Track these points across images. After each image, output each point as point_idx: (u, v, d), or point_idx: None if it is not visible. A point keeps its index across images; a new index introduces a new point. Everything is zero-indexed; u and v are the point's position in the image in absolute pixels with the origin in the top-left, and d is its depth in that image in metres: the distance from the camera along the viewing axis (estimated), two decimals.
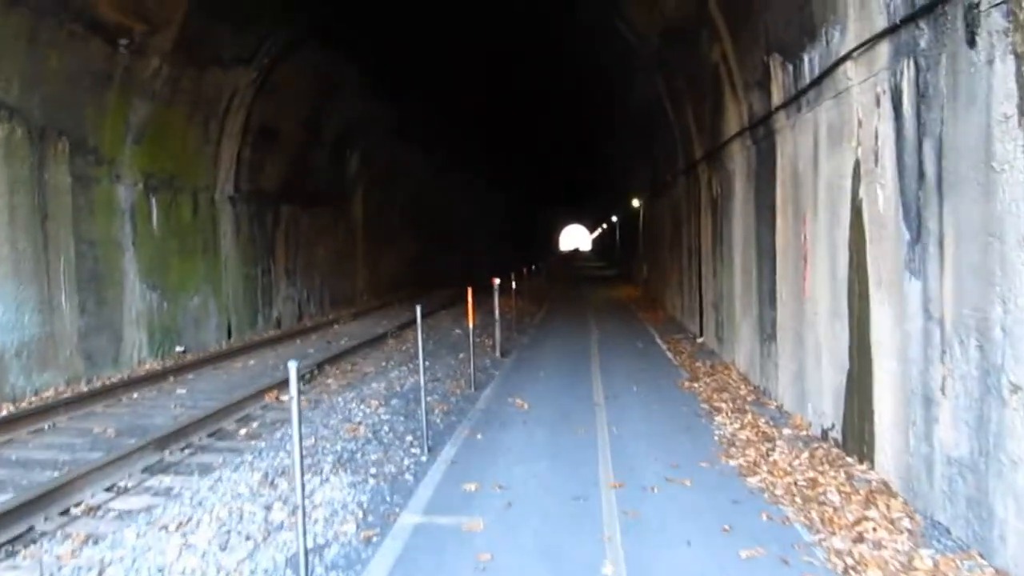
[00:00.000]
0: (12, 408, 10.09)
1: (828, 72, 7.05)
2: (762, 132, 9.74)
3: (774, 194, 9.26)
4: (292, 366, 4.07)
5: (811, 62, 7.60)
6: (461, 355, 13.07)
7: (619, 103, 23.10)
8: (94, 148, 13.00)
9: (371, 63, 21.92)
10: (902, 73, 5.58)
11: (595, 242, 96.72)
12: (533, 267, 24.62)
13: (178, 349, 15.34)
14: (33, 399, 10.94)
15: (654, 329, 17.22)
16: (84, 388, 11.61)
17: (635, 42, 16.44)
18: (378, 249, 29.47)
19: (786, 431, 7.93)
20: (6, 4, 10.49)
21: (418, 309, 7.38)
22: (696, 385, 10.54)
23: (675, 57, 14.34)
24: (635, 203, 29.85)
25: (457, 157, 37.26)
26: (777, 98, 8.90)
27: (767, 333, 9.71)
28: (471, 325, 10.44)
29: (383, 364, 12.60)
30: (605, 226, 63.69)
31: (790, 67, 8.31)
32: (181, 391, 10.93)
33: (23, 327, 11.34)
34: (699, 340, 14.80)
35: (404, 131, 28.39)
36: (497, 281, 12.95)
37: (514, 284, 16.98)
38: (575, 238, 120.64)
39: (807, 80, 7.73)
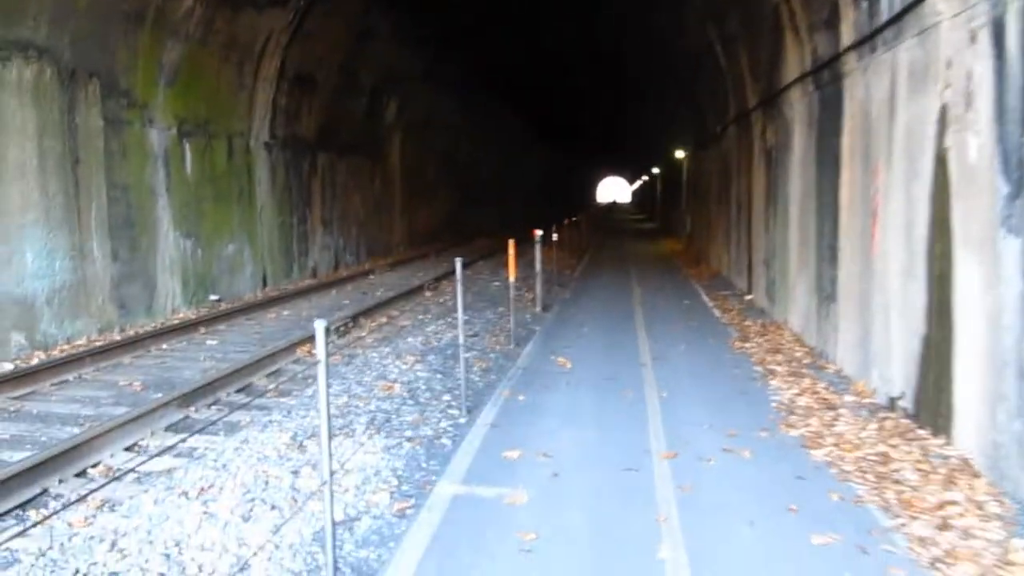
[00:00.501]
0: (43, 356, 9.86)
1: (911, 7, 6.38)
2: (827, 76, 9.06)
3: (839, 144, 8.61)
4: (319, 327, 3.59)
5: None
6: (500, 308, 12.66)
7: (663, 52, 22.22)
8: (126, 91, 12.61)
9: (406, 8, 21.26)
10: (1006, 3, 4.94)
11: (634, 194, 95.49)
12: (572, 219, 24.02)
13: (212, 298, 15.10)
14: (65, 347, 10.72)
15: (699, 285, 16.65)
16: (117, 336, 11.38)
17: None
18: (415, 199, 29.05)
19: (848, 398, 7.41)
20: None
21: (458, 264, 6.87)
22: (747, 346, 10.01)
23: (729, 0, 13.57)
24: (678, 155, 29.03)
25: (494, 107, 36.56)
26: (847, 38, 8.21)
27: (826, 293, 9.13)
28: (512, 279, 9.99)
29: (420, 317, 12.20)
30: (645, 178, 62.61)
31: (863, 4, 7.61)
32: (212, 342, 10.62)
33: (54, 274, 11.08)
34: (748, 298, 14.22)
35: (440, 80, 27.75)
36: (539, 233, 12.43)
37: (555, 236, 16.45)
38: (614, 190, 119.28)
39: (884, 17, 7.04)
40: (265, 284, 17.27)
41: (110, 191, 12.27)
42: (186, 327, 11.18)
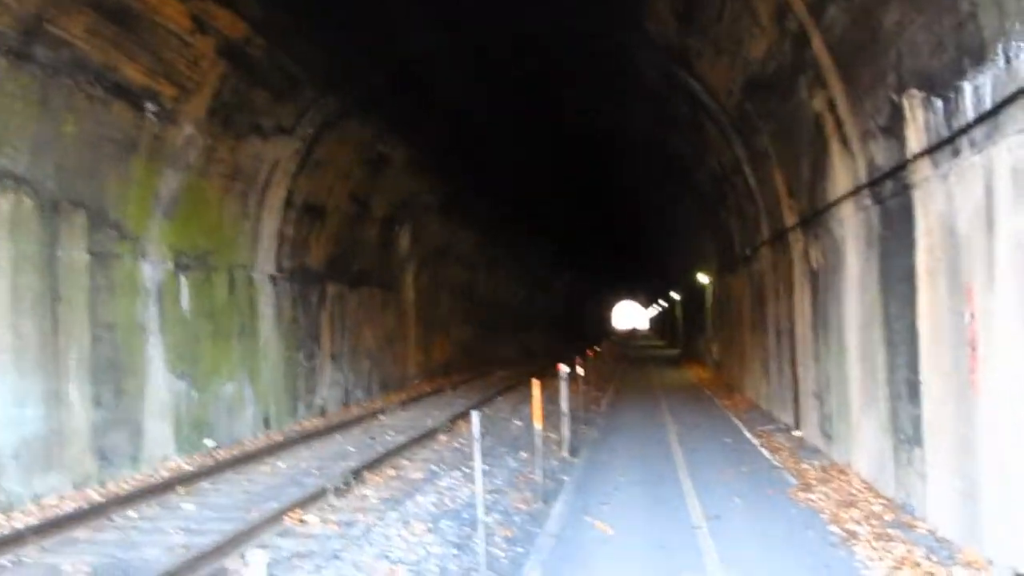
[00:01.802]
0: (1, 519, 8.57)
1: (1011, 99, 5.34)
2: (890, 188, 8.01)
3: (912, 262, 7.47)
4: None
5: (977, 91, 5.90)
6: (523, 454, 11.32)
7: (683, 173, 21.53)
8: (116, 222, 11.74)
9: (421, 139, 20.83)
10: None
11: (653, 320, 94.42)
12: (595, 349, 22.86)
13: (208, 443, 13.84)
14: (31, 508, 9.42)
15: (738, 419, 15.26)
16: (95, 491, 10.09)
17: (708, 102, 14.92)
18: (431, 330, 28.01)
19: (959, 572, 5.99)
20: (9, 62, 9.34)
21: (475, 427, 5.62)
22: (813, 497, 8.60)
23: (760, 113, 12.75)
24: (702, 279, 28.02)
25: (512, 236, 36.05)
26: (915, 144, 7.19)
27: (905, 435, 7.79)
28: (539, 426, 8.70)
29: (433, 468, 10.78)
30: (665, 303, 61.68)
31: (938, 103, 6.61)
32: (189, 506, 9.12)
33: (23, 423, 9.90)
34: (796, 434, 12.81)
35: (456, 210, 27.22)
36: (565, 369, 11.21)
37: (580, 370, 15.20)
38: (632, 316, 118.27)
39: (971, 115, 6.02)
40: (267, 426, 16.00)
41: (94, 330, 11.22)
42: (163, 487, 9.77)
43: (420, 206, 24.32)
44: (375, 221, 21.74)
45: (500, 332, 39.22)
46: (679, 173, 21.87)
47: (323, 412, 18.61)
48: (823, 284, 11.05)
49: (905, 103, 7.28)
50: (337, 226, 19.33)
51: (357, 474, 9.71)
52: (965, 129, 6.13)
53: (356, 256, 20.99)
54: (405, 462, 11.26)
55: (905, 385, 7.78)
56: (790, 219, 12.89)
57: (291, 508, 8.11)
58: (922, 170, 7.13)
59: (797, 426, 12.99)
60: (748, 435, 13.24)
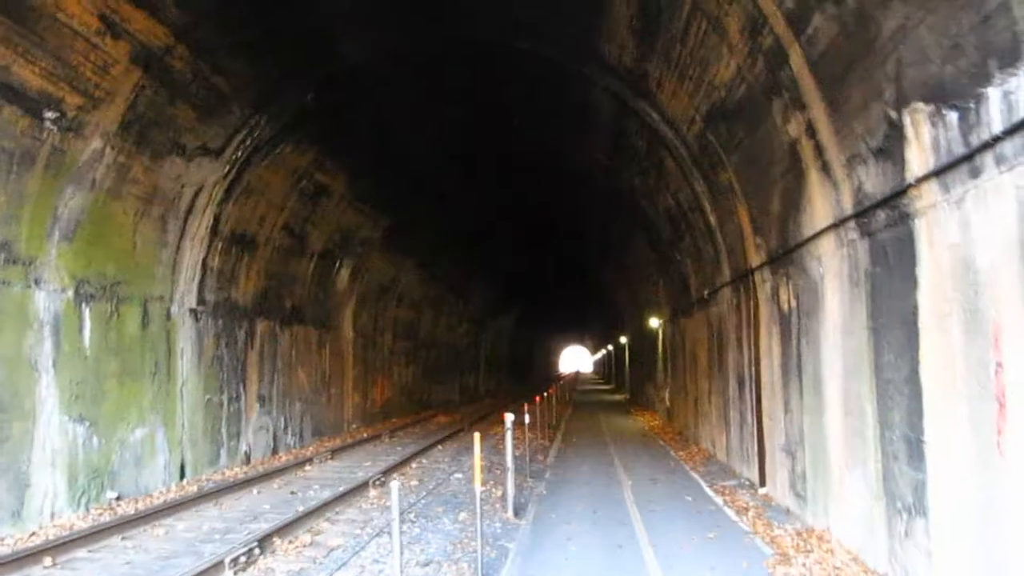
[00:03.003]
0: None
1: None
2: (883, 218, 7.06)
3: (913, 303, 6.49)
4: None
5: (1008, 97, 4.96)
6: (463, 515, 10.04)
7: (636, 210, 20.65)
8: (3, 243, 10.32)
9: (363, 169, 19.67)
10: None
11: (597, 364, 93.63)
12: (545, 393, 21.66)
13: (110, 495, 12.32)
14: None
15: (695, 473, 14.17)
16: None
17: (667, 132, 14.04)
18: (370, 373, 26.57)
19: None
20: None
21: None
22: (792, 572, 7.49)
23: (724, 145, 11.87)
24: (653, 323, 27.12)
25: (457, 276, 34.91)
26: (918, 166, 6.25)
27: (903, 502, 6.75)
28: (479, 487, 7.47)
29: (358, 532, 9.34)
30: (611, 347, 60.86)
31: (951, 116, 5.68)
32: None
33: None
34: (762, 491, 11.75)
35: (400, 247, 26.02)
36: (510, 418, 10.02)
37: (526, 418, 14.01)
38: (576, 360, 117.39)
39: (998, 127, 5.07)
40: (183, 475, 14.47)
41: None
42: (30, 556, 8.21)
43: (361, 241, 23.05)
44: (312, 255, 20.41)
45: (444, 374, 37.84)
46: (632, 210, 20.98)
47: (248, 459, 17.09)
48: (796, 328, 10.08)
49: (906, 119, 6.34)
50: (269, 259, 17.99)
51: (265, 541, 8.31)
52: (990, 144, 5.18)
53: (290, 292, 19.61)
54: (326, 524, 9.84)
55: (903, 444, 6.76)
56: (755, 258, 11.97)
57: None
58: (927, 195, 6.17)
59: (762, 483, 11.93)
60: (709, 492, 12.15)
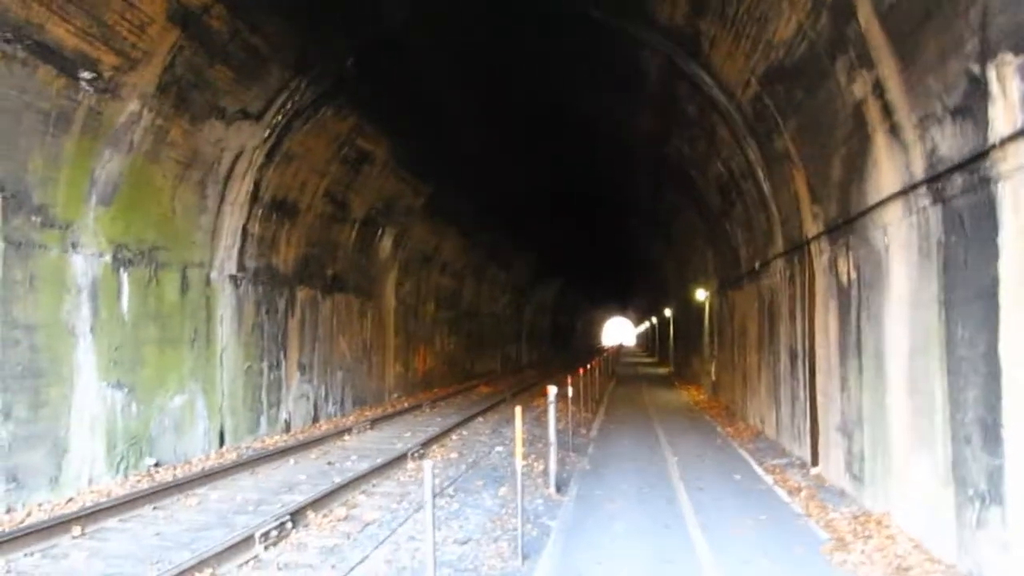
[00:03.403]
0: None
1: None
2: (960, 183, 6.51)
3: (995, 274, 5.97)
4: None
5: None
6: (503, 489, 9.73)
7: (685, 179, 20.04)
8: (40, 207, 10.15)
9: (407, 134, 19.31)
10: None
11: (640, 337, 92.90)
12: (588, 365, 21.27)
13: (148, 462, 12.25)
14: None
15: (743, 450, 13.72)
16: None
17: (719, 97, 13.43)
18: (413, 341, 26.41)
19: None
20: None
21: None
22: (851, 559, 7.06)
23: (781, 108, 11.27)
24: (700, 295, 26.53)
25: (501, 245, 34.54)
26: (1004, 125, 5.70)
27: (977, 489, 6.27)
28: (520, 463, 7.13)
29: (394, 506, 9.07)
30: (655, 319, 60.19)
31: None
32: (79, 556, 7.39)
33: None
34: (814, 471, 11.27)
35: (442, 215, 25.69)
36: (554, 390, 9.66)
37: (569, 390, 13.65)
38: (619, 332, 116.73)
39: None
40: (223, 442, 14.40)
41: (6, 331, 9.62)
42: (60, 525, 8.03)
43: (403, 209, 22.77)
44: (354, 222, 20.17)
45: (486, 344, 37.64)
46: (680, 179, 20.37)
47: (288, 428, 17.00)
48: (856, 302, 9.55)
49: (991, 74, 5.79)
50: (311, 226, 17.78)
51: (298, 515, 8.08)
52: None
53: (331, 259, 19.41)
54: (362, 497, 9.59)
55: (977, 427, 6.27)
56: (812, 228, 11.40)
57: (201, 564, 6.49)
58: (1014, 157, 5.63)
59: (815, 463, 11.45)
60: (759, 471, 11.71)
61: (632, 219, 32.58)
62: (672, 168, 20.19)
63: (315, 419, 18.39)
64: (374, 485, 10.29)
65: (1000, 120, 5.76)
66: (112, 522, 8.49)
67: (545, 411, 10.03)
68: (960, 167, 6.43)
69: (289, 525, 7.71)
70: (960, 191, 6.53)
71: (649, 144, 19.93)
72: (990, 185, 6.01)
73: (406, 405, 21.37)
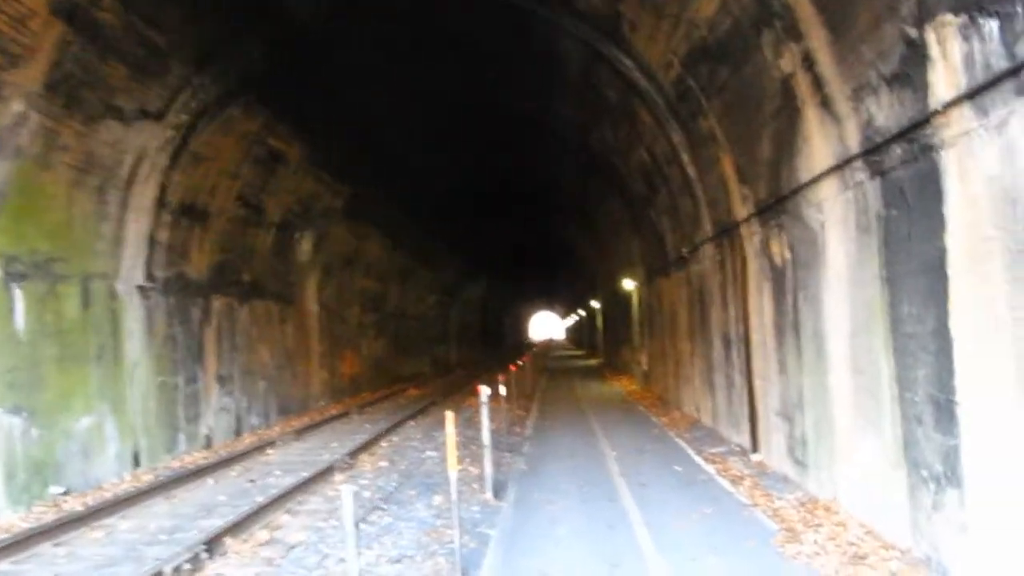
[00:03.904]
0: None
1: None
2: (899, 154, 6.26)
3: (940, 245, 5.71)
4: None
5: None
6: (438, 498, 9.22)
7: (609, 168, 19.80)
8: None
9: (322, 133, 18.62)
10: None
11: (569, 330, 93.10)
12: (519, 362, 20.83)
13: (55, 491, 11.35)
14: None
15: (681, 440, 13.48)
16: None
17: (641, 81, 13.16)
18: (337, 347, 25.61)
19: None
20: None
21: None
22: (805, 550, 6.77)
23: (705, 89, 11.02)
24: (627, 286, 26.39)
25: (426, 245, 33.91)
26: (946, 89, 5.44)
27: (931, 471, 6.02)
28: (454, 474, 6.64)
29: (322, 525, 8.41)
30: (583, 312, 60.27)
31: (989, 25, 4.87)
32: None
33: None
34: (755, 458, 11.07)
35: (363, 216, 24.98)
36: (486, 391, 9.20)
37: (502, 389, 13.21)
38: (548, 327, 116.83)
39: None
40: (137, 464, 13.53)
41: None
42: None
43: (322, 211, 22.00)
44: (270, 226, 19.35)
45: (414, 346, 36.96)
46: (604, 168, 20.13)
47: (209, 443, 16.15)
48: (791, 283, 9.32)
49: (930, 37, 5.53)
50: (224, 231, 16.94)
51: (215, 542, 7.41)
52: None
53: (248, 265, 18.58)
54: (286, 518, 8.94)
55: (929, 406, 6.02)
56: (742, 210, 11.18)
57: None
58: (957, 122, 5.37)
59: (755, 449, 11.25)
60: (699, 460, 11.45)
61: (557, 213, 32.36)
62: (595, 157, 19.93)
63: (238, 432, 17.57)
64: (299, 503, 9.63)
65: (941, 84, 5.51)
66: (3, 565, 7.67)
67: (477, 412, 9.56)
68: (899, 137, 6.18)
69: (204, 555, 7.05)
70: (900, 162, 6.28)
71: (573, 134, 19.65)
72: (933, 153, 5.76)
73: (334, 412, 20.66)
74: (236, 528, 7.94)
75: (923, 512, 6.19)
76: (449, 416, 6.78)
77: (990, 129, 5.03)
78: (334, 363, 25.26)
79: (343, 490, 4.06)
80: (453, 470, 6.50)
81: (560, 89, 16.97)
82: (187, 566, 6.68)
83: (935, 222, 5.77)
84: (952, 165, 5.53)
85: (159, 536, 8.34)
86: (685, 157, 13.44)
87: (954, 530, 5.72)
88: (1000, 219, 4.97)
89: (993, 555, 5.24)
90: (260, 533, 8.06)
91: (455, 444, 6.74)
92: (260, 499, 9.60)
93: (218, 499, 10.18)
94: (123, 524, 8.95)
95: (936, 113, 5.57)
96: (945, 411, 5.76)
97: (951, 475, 5.74)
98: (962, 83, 5.25)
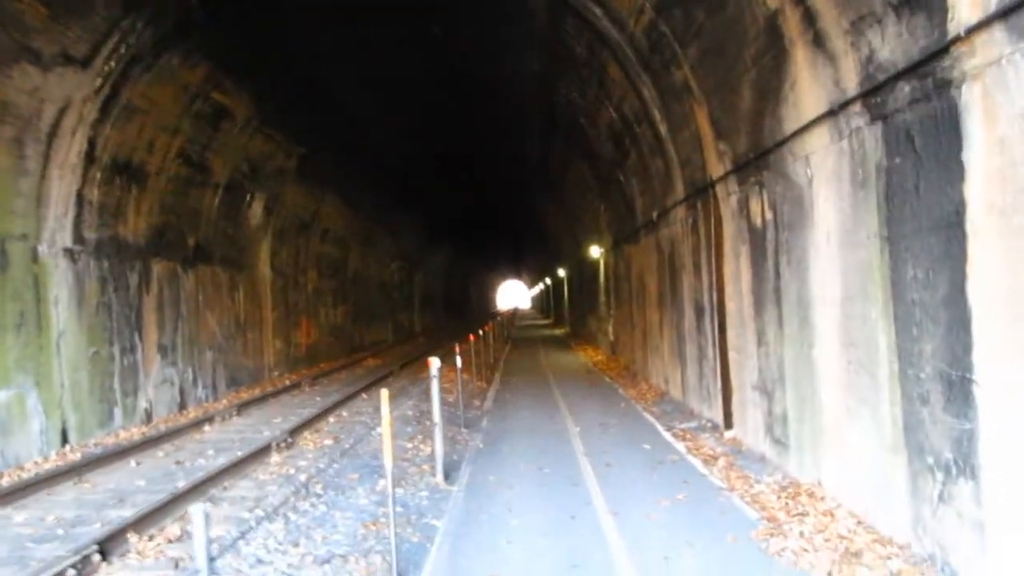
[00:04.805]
0: None
1: None
2: (908, 92, 5.40)
3: (958, 198, 4.88)
4: None
5: None
6: (382, 483, 8.33)
7: (575, 130, 18.85)
8: None
9: (273, 88, 17.43)
10: None
11: (535, 299, 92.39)
12: (480, 332, 19.97)
13: None
14: None
15: (649, 414, 12.72)
16: None
17: (609, 30, 12.19)
18: (293, 315, 24.53)
19: None
20: None
21: None
22: (791, 545, 5.98)
23: (679, 35, 10.09)
24: (594, 253, 25.56)
25: (384, 212, 32.76)
26: (970, 9, 4.58)
27: (939, 458, 5.24)
28: (389, 463, 5.74)
29: (245, 515, 7.41)
30: (549, 281, 59.47)
31: None
32: None
33: None
34: (728, 435, 10.30)
35: (319, 177, 23.80)
36: (436, 363, 8.29)
37: (458, 361, 12.34)
38: (514, 295, 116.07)
39: None
40: (65, 441, 12.49)
41: None
42: None
43: (274, 171, 20.84)
44: (216, 187, 18.17)
45: (375, 313, 35.90)
46: (570, 130, 19.17)
47: (149, 418, 15.12)
48: (773, 246, 8.49)
49: None
50: (164, 191, 15.77)
51: (113, 541, 6.42)
52: None
53: (193, 228, 17.43)
54: (210, 505, 8.04)
55: (938, 383, 5.22)
56: (718, 168, 10.31)
57: None
58: (984, 50, 4.51)
59: (728, 425, 10.48)
60: (668, 437, 10.68)
61: (523, 177, 31.34)
62: (561, 118, 18.97)
63: (183, 406, 16.54)
64: (225, 488, 8.59)
65: (964, 5, 4.63)
66: None
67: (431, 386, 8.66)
68: (908, 72, 5.31)
69: (97, 557, 6.07)
70: (908, 102, 5.42)
71: (538, 93, 18.62)
72: (951, 89, 4.90)
73: (286, 383, 19.66)
74: (144, 521, 6.92)
75: (927, 504, 5.41)
76: (384, 393, 5.87)
77: None
78: (289, 332, 24.20)
79: (192, 511, 3.12)
80: (389, 460, 5.60)
81: (527, 43, 15.92)
82: (71, 572, 5.72)
83: (951, 171, 4.93)
84: (976, 102, 4.67)
85: (56, 530, 7.27)
86: (657, 114, 12.54)
87: (968, 528, 4.95)
88: None
89: (1018, 560, 4.46)
90: (172, 528, 7.08)
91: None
92: (182, 484, 8.57)
93: (136, 484, 9.11)
94: (19, 515, 7.83)
95: (957, 40, 4.70)
96: (959, 390, 4.96)
97: (964, 464, 4.95)
98: (991, 2, 4.38)
